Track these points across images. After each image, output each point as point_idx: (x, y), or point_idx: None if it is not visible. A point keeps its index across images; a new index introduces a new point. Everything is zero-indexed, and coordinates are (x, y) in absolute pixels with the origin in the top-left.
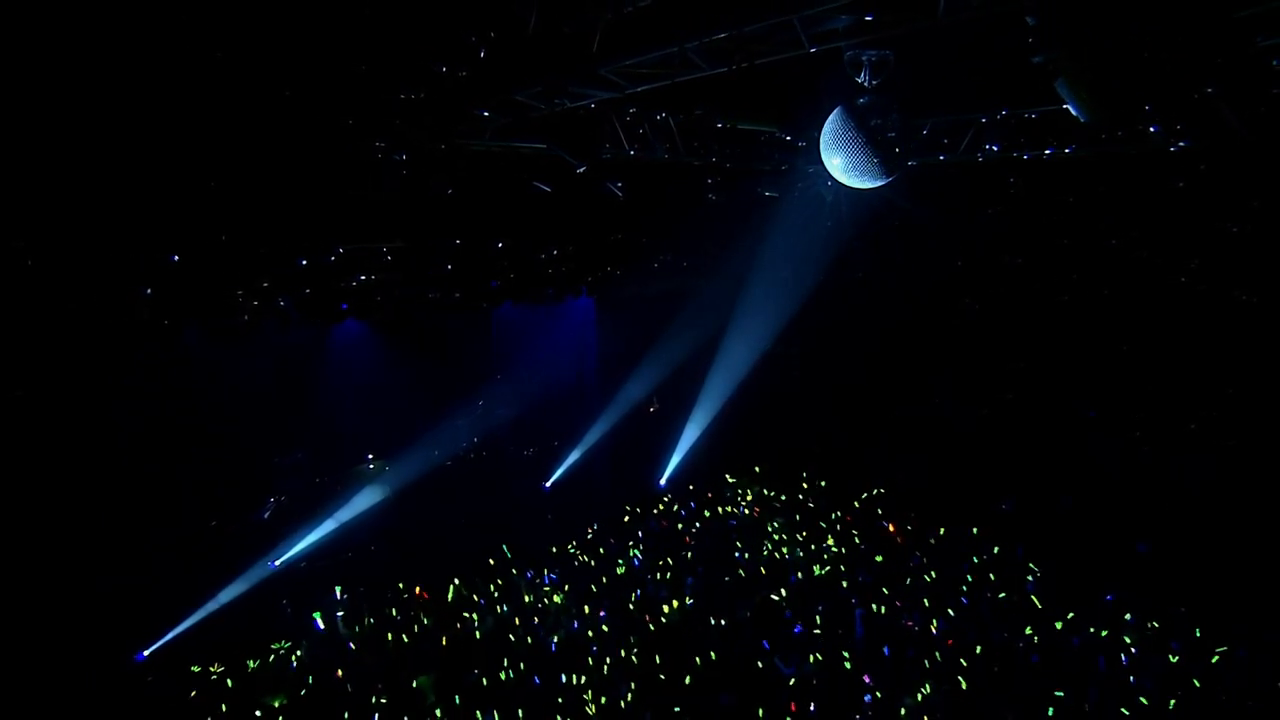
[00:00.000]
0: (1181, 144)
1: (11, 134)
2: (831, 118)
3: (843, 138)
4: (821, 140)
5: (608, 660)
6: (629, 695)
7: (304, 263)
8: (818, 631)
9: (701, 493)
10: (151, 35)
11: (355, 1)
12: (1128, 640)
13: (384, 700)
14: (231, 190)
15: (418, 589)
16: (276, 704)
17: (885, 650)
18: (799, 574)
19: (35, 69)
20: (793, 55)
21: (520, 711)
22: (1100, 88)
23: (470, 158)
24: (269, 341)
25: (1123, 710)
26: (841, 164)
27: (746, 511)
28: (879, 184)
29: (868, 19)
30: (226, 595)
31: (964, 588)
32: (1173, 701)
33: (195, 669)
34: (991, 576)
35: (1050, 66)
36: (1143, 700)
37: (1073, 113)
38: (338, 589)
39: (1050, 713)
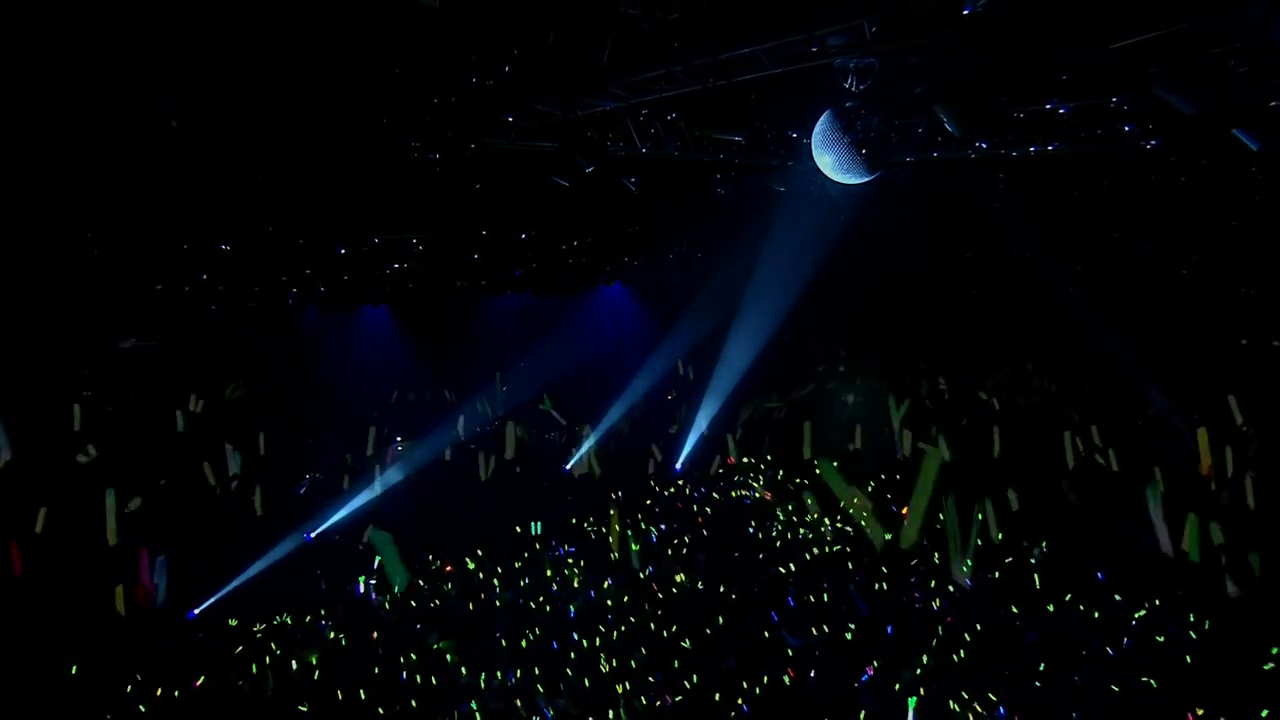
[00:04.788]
0: (1154, 142)
1: (77, 136)
2: (821, 120)
3: (831, 138)
4: (812, 141)
5: (621, 627)
6: (640, 657)
7: (342, 251)
8: (821, 606)
9: (715, 476)
10: (196, 43)
11: (390, 23)
12: (1137, 617)
13: (413, 655)
14: (277, 184)
15: (438, 562)
16: (313, 660)
17: (889, 630)
18: (807, 553)
19: (102, 81)
20: (764, 75)
21: (537, 669)
22: (964, 109)
23: (495, 156)
24: (307, 331)
25: (1113, 687)
26: (831, 162)
27: (759, 494)
28: (866, 180)
29: (814, 50)
30: (265, 563)
31: (965, 570)
32: (1154, 681)
33: (233, 622)
34: (995, 559)
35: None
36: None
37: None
38: (376, 559)
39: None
